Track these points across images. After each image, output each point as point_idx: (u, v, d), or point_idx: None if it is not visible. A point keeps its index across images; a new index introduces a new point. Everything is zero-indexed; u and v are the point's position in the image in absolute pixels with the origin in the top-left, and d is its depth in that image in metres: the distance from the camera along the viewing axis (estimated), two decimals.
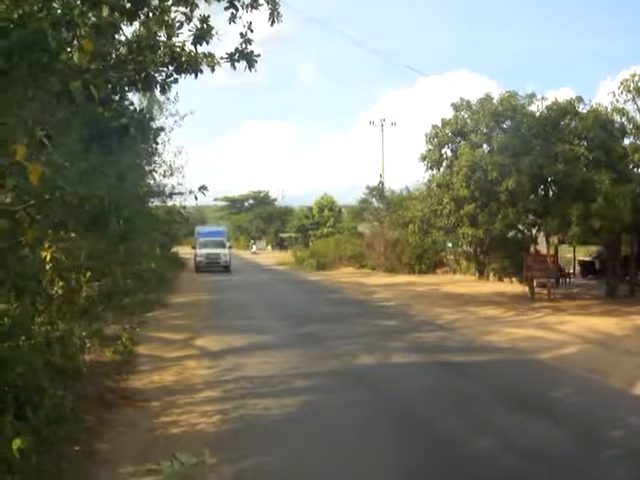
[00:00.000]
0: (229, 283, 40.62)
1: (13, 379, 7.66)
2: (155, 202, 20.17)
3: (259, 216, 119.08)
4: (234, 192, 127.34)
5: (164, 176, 20.40)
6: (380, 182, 60.74)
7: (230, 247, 59.44)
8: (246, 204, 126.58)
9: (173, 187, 21.54)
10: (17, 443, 6.09)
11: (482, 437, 9.27)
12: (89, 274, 9.73)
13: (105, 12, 8.63)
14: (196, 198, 9.81)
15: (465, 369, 14.22)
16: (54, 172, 5.73)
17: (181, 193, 10.78)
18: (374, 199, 62.27)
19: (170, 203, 11.37)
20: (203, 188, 9.46)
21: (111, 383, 11.91)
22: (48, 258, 9.28)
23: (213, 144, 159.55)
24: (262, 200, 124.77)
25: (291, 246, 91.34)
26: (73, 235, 8.21)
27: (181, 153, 25.96)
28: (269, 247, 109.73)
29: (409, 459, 8.35)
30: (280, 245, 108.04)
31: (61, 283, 9.48)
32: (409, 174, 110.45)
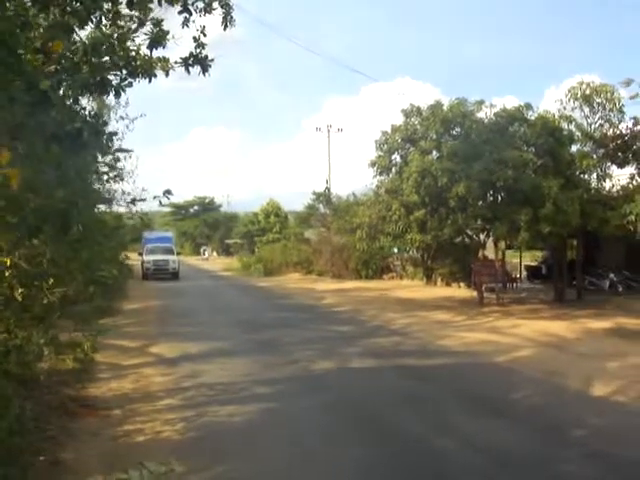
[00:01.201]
0: (178, 290, 40.35)
1: None
2: (107, 208, 19.94)
3: (204, 222, 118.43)
4: (179, 198, 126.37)
5: (114, 181, 20.11)
6: (326, 188, 60.69)
7: (179, 253, 58.59)
8: (191, 210, 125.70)
9: (123, 192, 21.26)
10: None
11: (446, 438, 9.36)
12: (52, 281, 9.58)
13: (56, 15, 8.55)
14: (161, 203, 9.72)
15: (423, 373, 14.28)
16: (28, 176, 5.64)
17: (143, 199, 10.64)
18: (321, 205, 62.35)
19: (131, 209, 11.25)
20: (168, 192, 9.37)
21: (70, 391, 11.70)
22: (8, 264, 9.12)
23: (159, 149, 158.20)
24: (207, 206, 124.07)
25: (237, 252, 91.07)
26: (35, 241, 8.07)
27: (131, 158, 25.60)
28: (214, 253, 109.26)
29: (374, 461, 8.38)
30: (226, 251, 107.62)
31: (20, 290, 9.30)
32: (355, 180, 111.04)
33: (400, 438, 9.42)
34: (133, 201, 10.38)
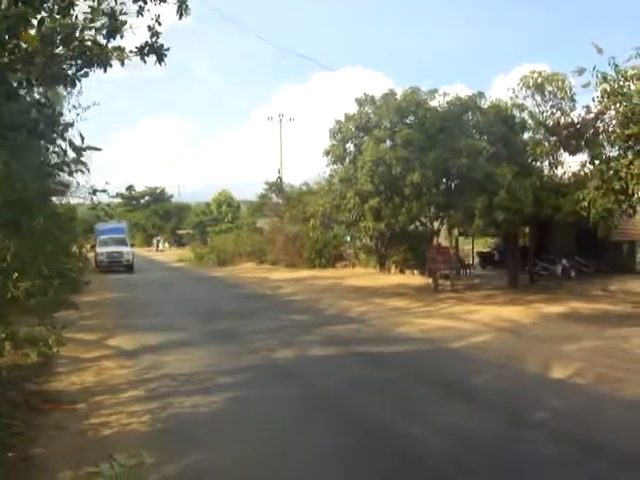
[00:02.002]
0: (133, 281, 40.08)
1: None
2: (60, 200, 19.66)
3: (156, 213, 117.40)
4: (130, 189, 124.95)
5: (69, 173, 19.79)
6: (279, 177, 60.75)
7: (132, 245, 57.76)
8: (142, 201, 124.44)
9: (78, 184, 20.95)
10: None
11: (410, 423, 9.47)
12: (16, 275, 9.46)
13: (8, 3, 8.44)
14: (122, 197, 9.69)
15: (383, 359, 14.40)
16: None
17: (104, 190, 10.52)
18: (273, 194, 62.27)
19: (93, 200, 11.08)
20: (130, 188, 9.33)
21: (32, 386, 11.56)
22: None
23: (109, 140, 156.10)
24: (159, 197, 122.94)
25: (189, 243, 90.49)
26: None
27: (82, 142, 25.13)
28: (166, 244, 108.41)
29: (341, 447, 8.44)
30: (178, 242, 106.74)
31: None
32: (308, 169, 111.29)
33: (365, 424, 9.48)
34: (94, 192, 10.26)
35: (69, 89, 10.03)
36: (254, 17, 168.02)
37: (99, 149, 6.13)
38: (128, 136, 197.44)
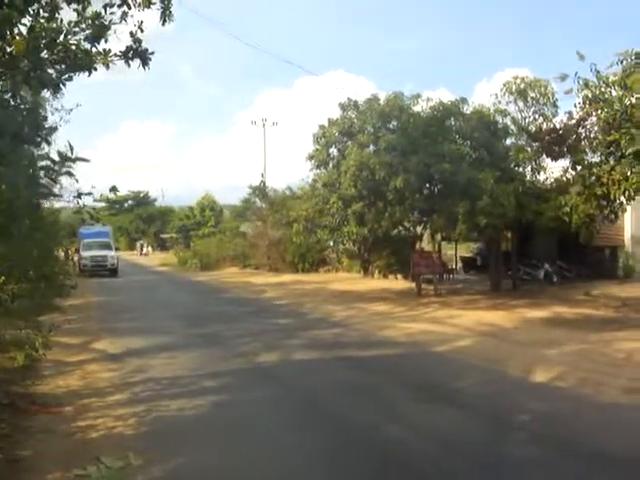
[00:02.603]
0: (117, 285, 40.12)
1: None
2: (43, 203, 19.63)
3: (139, 217, 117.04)
4: (114, 190, 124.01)
5: (54, 178, 19.75)
6: (262, 181, 60.68)
7: (117, 248, 57.39)
8: (126, 205, 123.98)
9: (61, 187, 20.89)
10: None
11: (394, 426, 9.59)
12: (2, 278, 9.49)
13: None
14: (107, 200, 9.70)
15: (366, 363, 14.49)
16: None
17: (89, 194, 10.53)
18: (257, 199, 62.25)
19: (79, 204, 11.08)
20: (114, 189, 9.32)
21: (19, 389, 11.58)
22: None
23: (92, 143, 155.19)
24: (142, 200, 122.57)
25: (172, 247, 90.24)
26: None
27: (71, 152, 25.07)
28: (150, 248, 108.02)
29: (325, 450, 8.52)
30: (161, 246, 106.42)
31: None
32: (291, 173, 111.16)
33: (349, 427, 9.56)
34: (79, 195, 10.27)
35: (53, 93, 10.02)
36: (236, 21, 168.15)
37: (87, 160, 6.14)
38: (111, 139, 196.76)
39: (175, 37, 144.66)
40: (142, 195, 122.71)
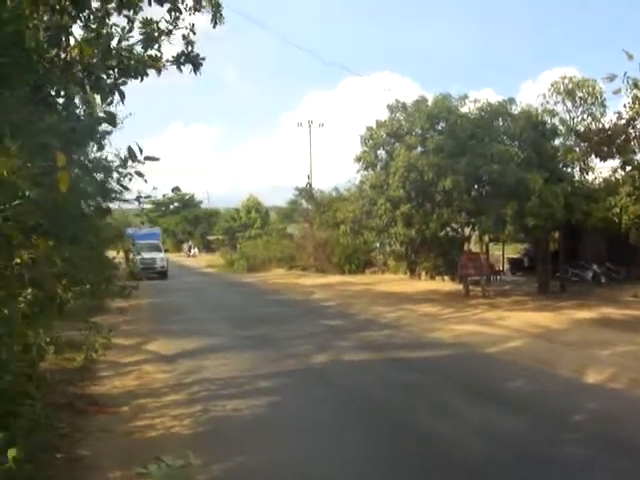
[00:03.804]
0: (165, 286, 40.50)
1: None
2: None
3: (185, 219, 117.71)
4: (159, 194, 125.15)
5: (117, 180, 20.00)
6: (308, 183, 60.79)
7: (166, 250, 56.71)
8: (171, 207, 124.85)
9: (123, 190, 21.15)
10: (12, 453, 6.01)
11: (449, 426, 9.69)
12: (65, 281, 9.72)
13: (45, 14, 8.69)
14: (153, 202, 9.90)
15: (418, 364, 14.56)
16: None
17: (149, 196, 10.76)
18: (303, 200, 62.42)
19: (140, 207, 11.35)
20: (176, 189, 9.54)
21: (76, 390, 11.85)
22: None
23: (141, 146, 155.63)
24: (187, 202, 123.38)
25: (218, 249, 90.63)
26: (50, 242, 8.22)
27: (140, 152, 25.30)
28: (196, 250, 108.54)
29: (383, 450, 8.65)
30: (207, 248, 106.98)
31: (30, 289, 9.41)
32: (337, 174, 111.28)
33: (405, 427, 9.71)
34: (138, 198, 10.48)
35: (108, 98, 10.25)
36: (282, 24, 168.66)
37: (157, 159, 6.31)
38: (158, 142, 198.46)
39: (221, 38, 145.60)
40: (188, 197, 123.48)
